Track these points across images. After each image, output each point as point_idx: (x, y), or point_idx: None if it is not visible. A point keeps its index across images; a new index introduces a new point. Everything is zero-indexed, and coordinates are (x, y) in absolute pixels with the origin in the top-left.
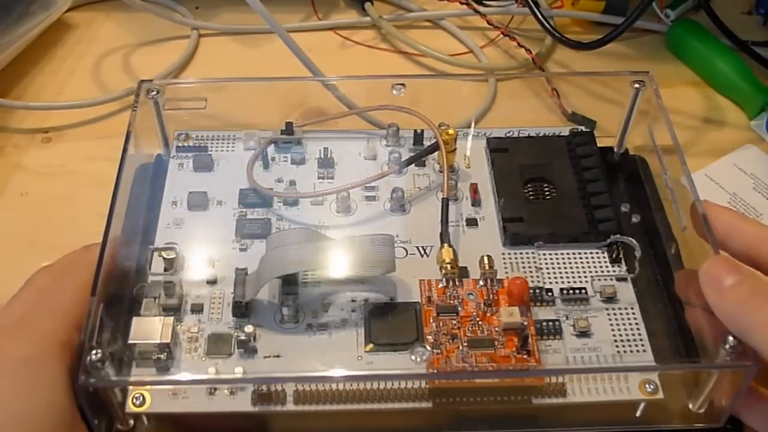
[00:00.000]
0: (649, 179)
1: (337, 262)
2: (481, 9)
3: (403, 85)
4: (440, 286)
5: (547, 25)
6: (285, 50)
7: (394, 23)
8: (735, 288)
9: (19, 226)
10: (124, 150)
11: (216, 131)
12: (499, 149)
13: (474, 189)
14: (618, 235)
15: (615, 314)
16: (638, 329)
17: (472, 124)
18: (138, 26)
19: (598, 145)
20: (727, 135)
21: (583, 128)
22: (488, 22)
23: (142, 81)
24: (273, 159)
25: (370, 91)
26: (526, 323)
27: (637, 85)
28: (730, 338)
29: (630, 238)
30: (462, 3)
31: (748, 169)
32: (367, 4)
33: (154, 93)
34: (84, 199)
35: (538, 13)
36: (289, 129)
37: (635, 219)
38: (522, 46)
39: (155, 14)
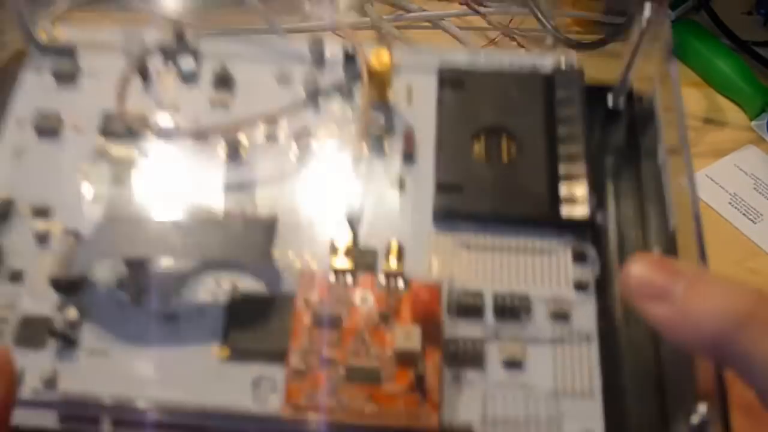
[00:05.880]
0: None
1: (194, 246)
2: (481, 9)
3: None
4: (325, 283)
5: (547, 25)
6: None
7: (394, 23)
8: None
9: None
10: None
11: (91, 29)
12: (451, 83)
13: (408, 137)
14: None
15: (564, 338)
16: (589, 364)
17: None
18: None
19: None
20: (727, 135)
21: (573, 65)
22: (488, 22)
23: None
24: (158, 73)
25: None
26: (426, 352)
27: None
28: (701, 408)
29: (589, 244)
30: (462, 3)
31: (749, 170)
32: (367, 5)
33: None
34: None
35: (538, 13)
36: (180, 33)
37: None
38: (522, 46)
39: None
